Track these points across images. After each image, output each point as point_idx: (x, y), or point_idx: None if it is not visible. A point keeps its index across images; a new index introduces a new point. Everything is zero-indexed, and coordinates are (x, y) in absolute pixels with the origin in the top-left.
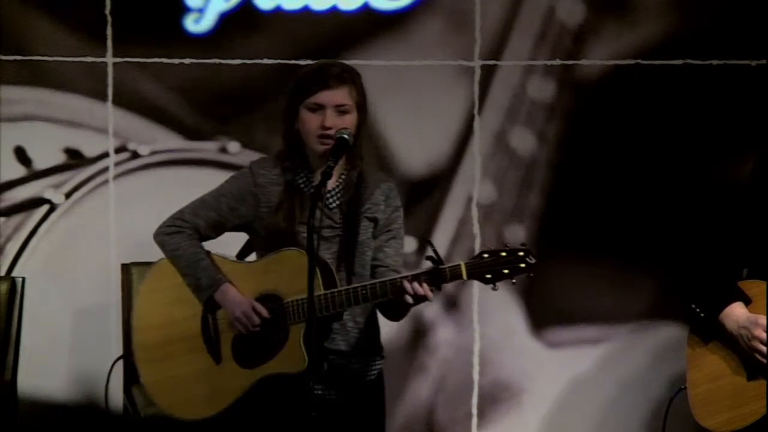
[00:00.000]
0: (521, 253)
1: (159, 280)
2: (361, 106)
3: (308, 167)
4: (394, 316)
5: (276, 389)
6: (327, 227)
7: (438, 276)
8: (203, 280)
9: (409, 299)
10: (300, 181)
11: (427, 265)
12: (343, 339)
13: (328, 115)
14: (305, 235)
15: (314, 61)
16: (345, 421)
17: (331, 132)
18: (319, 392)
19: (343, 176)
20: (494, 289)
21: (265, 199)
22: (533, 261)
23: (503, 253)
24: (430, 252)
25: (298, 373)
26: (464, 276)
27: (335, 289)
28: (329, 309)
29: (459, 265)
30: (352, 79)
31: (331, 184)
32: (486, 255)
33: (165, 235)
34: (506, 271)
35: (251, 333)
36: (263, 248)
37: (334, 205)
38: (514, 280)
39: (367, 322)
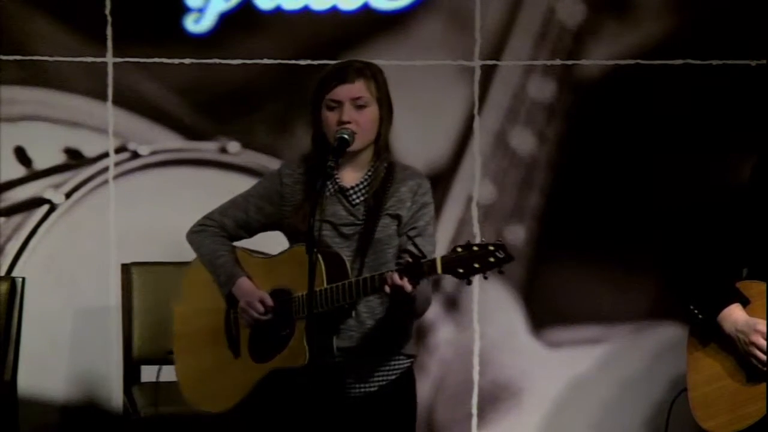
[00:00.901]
0: (491, 248)
1: (196, 274)
2: (382, 100)
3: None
4: (403, 317)
5: (284, 384)
6: (348, 224)
7: (416, 270)
8: (221, 276)
9: (387, 289)
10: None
11: (407, 259)
12: (359, 335)
13: (346, 109)
14: (325, 231)
15: (314, 61)
16: (366, 420)
17: (353, 128)
18: (338, 388)
19: (369, 172)
20: (468, 283)
21: (290, 198)
22: (503, 255)
23: (475, 248)
24: (410, 246)
25: (300, 367)
26: (439, 270)
27: (333, 285)
28: (328, 304)
29: (435, 259)
30: (371, 73)
31: (356, 178)
32: (459, 249)
33: (192, 233)
34: (477, 265)
35: (258, 325)
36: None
37: (358, 201)
38: (485, 276)
39: (389, 320)
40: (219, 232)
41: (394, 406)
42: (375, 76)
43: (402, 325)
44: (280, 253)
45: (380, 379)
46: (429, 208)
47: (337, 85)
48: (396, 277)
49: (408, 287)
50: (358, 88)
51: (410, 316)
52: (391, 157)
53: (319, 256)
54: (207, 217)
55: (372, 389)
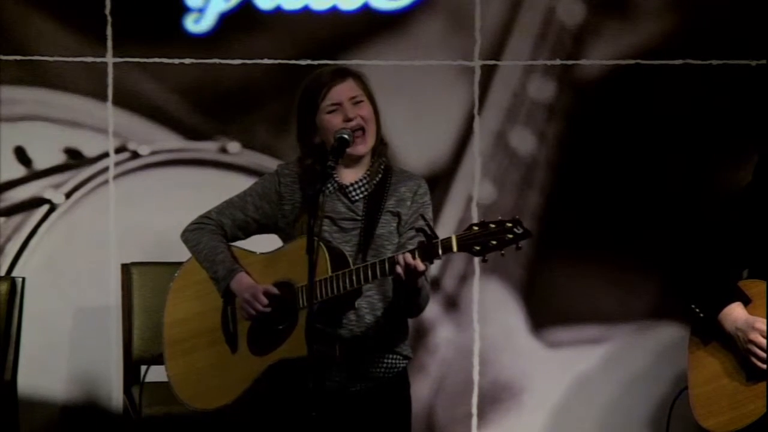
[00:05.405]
0: (509, 224)
1: (187, 277)
2: (370, 95)
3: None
4: (408, 310)
5: (284, 377)
6: (347, 219)
7: (430, 249)
8: (220, 271)
9: (400, 270)
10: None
11: (420, 238)
12: (359, 330)
13: (347, 108)
14: (324, 226)
15: (314, 61)
16: (362, 416)
17: (360, 122)
18: (335, 383)
19: (369, 169)
20: (484, 261)
21: (289, 197)
22: (521, 231)
23: (492, 225)
24: (422, 225)
25: (301, 358)
26: (454, 248)
27: (337, 272)
28: (332, 291)
29: (450, 237)
30: (349, 72)
31: (356, 176)
32: (476, 227)
33: (189, 232)
34: (494, 242)
35: (260, 317)
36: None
37: (358, 197)
38: (502, 252)
39: (387, 318)
40: (217, 230)
41: (388, 407)
42: (353, 74)
43: (400, 322)
44: (279, 249)
45: (375, 377)
46: (428, 208)
47: (330, 88)
48: (409, 256)
49: (421, 267)
50: (350, 87)
51: (413, 309)
52: (388, 161)
53: (323, 246)
54: (204, 216)
55: (366, 387)
